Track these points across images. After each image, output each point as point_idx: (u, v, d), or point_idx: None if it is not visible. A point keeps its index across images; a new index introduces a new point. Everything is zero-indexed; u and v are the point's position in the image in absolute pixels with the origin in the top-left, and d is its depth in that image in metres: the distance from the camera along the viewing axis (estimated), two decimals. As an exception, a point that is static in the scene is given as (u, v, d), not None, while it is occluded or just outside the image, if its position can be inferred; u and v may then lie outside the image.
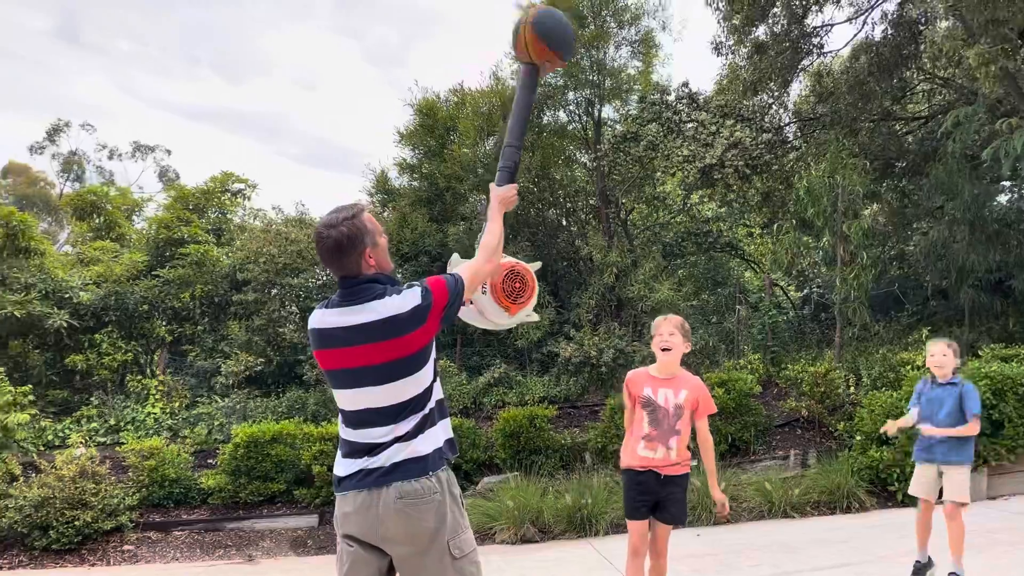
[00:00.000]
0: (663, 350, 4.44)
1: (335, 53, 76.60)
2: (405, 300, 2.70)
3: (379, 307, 2.69)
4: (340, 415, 2.86)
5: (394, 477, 2.66)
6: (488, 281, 3.21)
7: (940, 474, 5.50)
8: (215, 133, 72.12)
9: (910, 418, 5.72)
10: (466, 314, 3.31)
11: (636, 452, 4.43)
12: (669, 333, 4.45)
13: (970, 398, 5.45)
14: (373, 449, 2.72)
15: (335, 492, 2.83)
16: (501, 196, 3.18)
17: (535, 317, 3.50)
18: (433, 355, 2.83)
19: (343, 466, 2.79)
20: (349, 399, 2.78)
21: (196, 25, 73.30)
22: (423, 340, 2.73)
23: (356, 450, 2.76)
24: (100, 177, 44.11)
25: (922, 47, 12.13)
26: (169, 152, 45.01)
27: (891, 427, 5.73)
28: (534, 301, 3.41)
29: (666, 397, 4.40)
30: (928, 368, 5.76)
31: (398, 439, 2.70)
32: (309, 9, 76.06)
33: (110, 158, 44.58)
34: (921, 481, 5.61)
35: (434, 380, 2.82)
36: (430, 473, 2.70)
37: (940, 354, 5.53)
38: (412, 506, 2.65)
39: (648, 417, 4.41)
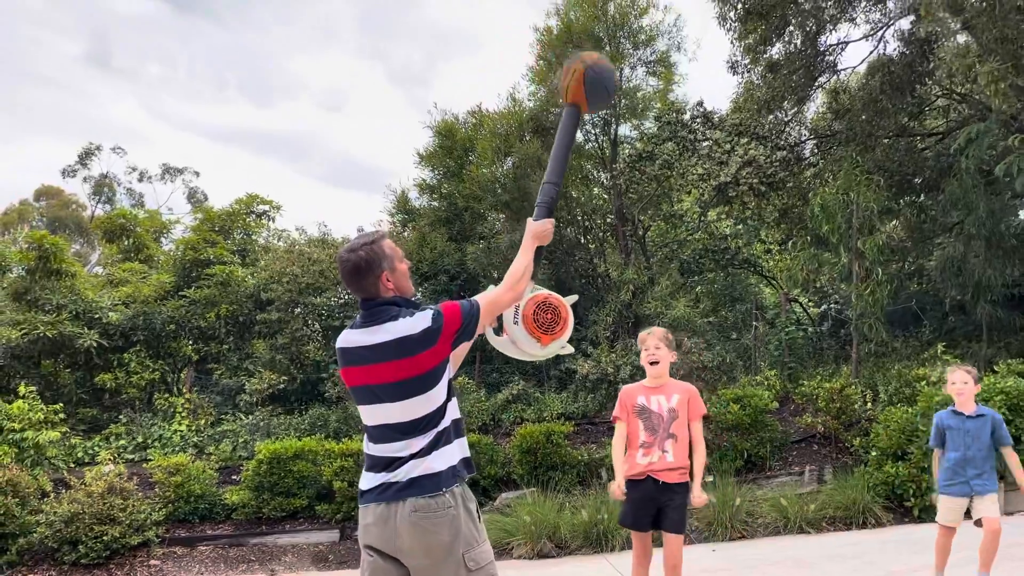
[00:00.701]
0: (651, 363, 4.69)
1: (360, 74, 77.70)
2: (416, 322, 2.86)
3: (393, 328, 2.86)
4: (364, 430, 3.03)
5: (410, 492, 2.80)
6: (521, 312, 3.35)
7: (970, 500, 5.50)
8: (243, 155, 73.42)
9: (937, 461, 5.74)
10: (500, 344, 3.43)
11: (635, 461, 4.59)
12: (655, 347, 4.68)
13: (1002, 428, 5.49)
14: (391, 464, 2.87)
15: (359, 504, 2.98)
16: (535, 230, 3.30)
17: (569, 349, 3.58)
18: (447, 375, 2.96)
19: (366, 479, 2.95)
20: (369, 414, 2.96)
21: (224, 49, 74.83)
22: (434, 361, 2.87)
23: (376, 464, 2.92)
24: (130, 199, 45.01)
25: (932, 65, 12.20)
26: (197, 174, 45.87)
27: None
28: (568, 333, 3.47)
29: (659, 403, 4.63)
30: (948, 395, 5.76)
31: (414, 455, 2.84)
32: (334, 32, 77.36)
33: (140, 180, 45.49)
34: (955, 511, 5.58)
35: (448, 399, 2.95)
36: (444, 490, 2.81)
37: (961, 382, 5.51)
38: (427, 519, 2.78)
39: (643, 424, 4.62)
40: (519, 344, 3.39)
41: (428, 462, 2.83)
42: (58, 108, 67.38)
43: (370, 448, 2.98)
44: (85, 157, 44.64)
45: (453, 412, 2.98)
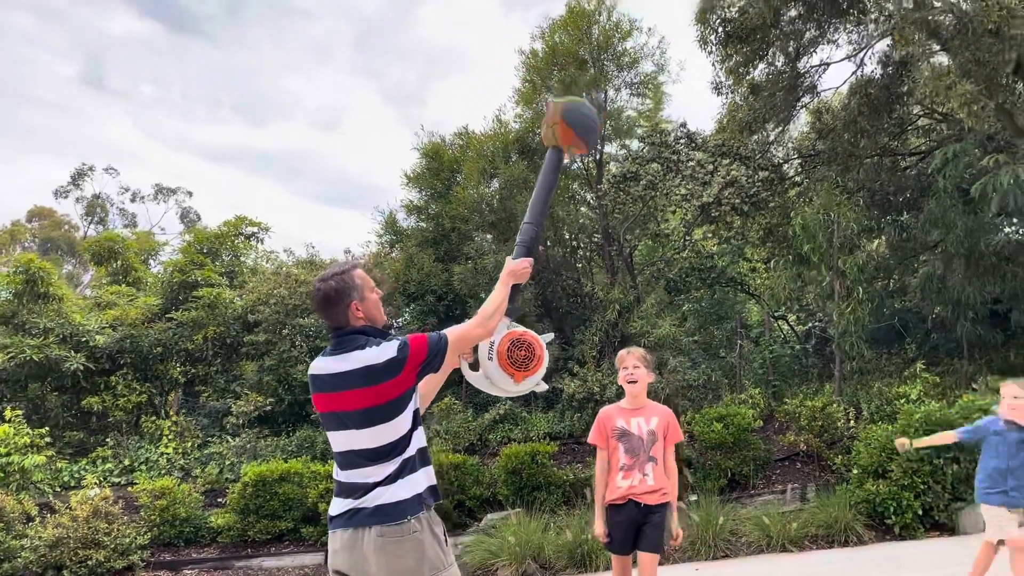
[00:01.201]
0: (629, 382, 4.64)
1: (354, 93, 78.08)
2: (382, 352, 2.93)
3: (359, 357, 2.94)
4: (334, 457, 3.10)
5: (375, 519, 2.87)
6: (496, 348, 3.40)
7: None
8: (237, 174, 73.61)
9: (948, 436, 5.82)
10: (475, 379, 3.48)
11: (616, 484, 4.56)
12: (634, 366, 4.64)
13: None
14: (358, 490, 2.93)
15: (328, 529, 3.04)
16: (512, 268, 3.39)
17: (543, 387, 3.60)
18: (412, 405, 3.03)
19: (334, 505, 3.01)
20: (337, 441, 3.03)
21: (218, 68, 75.17)
22: (398, 390, 2.94)
23: (344, 490, 2.99)
24: (123, 220, 45.12)
25: (906, 88, 12.37)
26: (191, 194, 46.10)
27: (907, 443, 5.91)
28: (542, 370, 3.50)
29: (639, 425, 4.58)
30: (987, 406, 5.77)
31: (379, 483, 2.91)
32: (329, 51, 77.77)
33: (133, 201, 45.66)
34: (1000, 524, 5.43)
35: (413, 428, 3.02)
36: (408, 517, 2.88)
37: (1011, 396, 5.43)
38: (393, 544, 2.84)
39: (623, 447, 4.56)
40: (493, 380, 3.43)
41: (393, 490, 2.90)
42: (53, 129, 67.65)
43: (338, 474, 3.05)
44: (78, 178, 44.80)
45: (419, 441, 3.04)
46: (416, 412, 3.06)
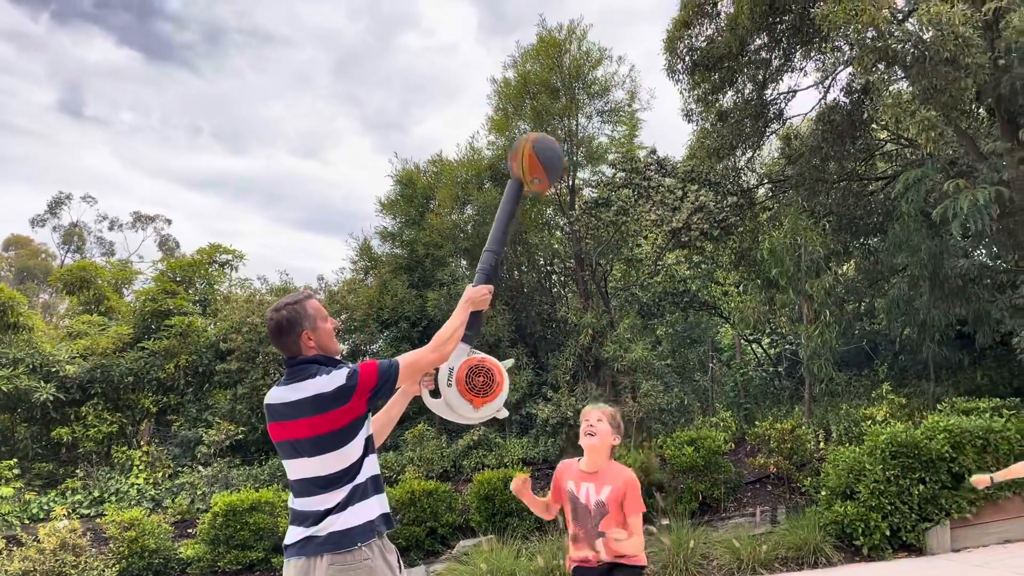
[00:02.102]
0: (588, 434, 3.99)
1: (335, 121, 78.25)
2: (332, 380, 2.97)
3: (310, 385, 2.97)
4: (289, 485, 3.14)
5: (327, 547, 2.89)
6: (455, 375, 3.44)
7: None
8: (217, 201, 73.31)
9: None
10: (436, 406, 3.50)
11: (569, 554, 4.08)
12: (597, 419, 4.03)
13: None
14: (309, 518, 2.96)
15: (284, 558, 3.06)
16: (471, 295, 3.44)
17: (503, 413, 3.60)
18: (364, 432, 3.05)
19: (289, 534, 3.04)
20: (291, 469, 3.07)
21: (198, 96, 75.13)
22: (348, 417, 2.97)
23: (297, 518, 3.02)
24: (100, 248, 44.85)
25: (866, 115, 12.64)
26: (169, 221, 45.92)
27: (987, 480, 5.47)
28: (502, 396, 3.51)
29: (587, 493, 3.94)
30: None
31: (330, 510, 2.93)
32: (309, 79, 77.99)
33: (111, 229, 45.46)
34: None
35: (364, 455, 3.04)
36: (359, 545, 2.89)
37: None
38: (343, 572, 2.86)
39: (571, 514, 4.00)
40: (452, 407, 3.46)
41: (345, 517, 2.92)
42: (30, 157, 67.21)
43: (293, 502, 3.09)
44: (55, 206, 44.57)
45: (371, 468, 3.06)
46: (369, 439, 3.09)
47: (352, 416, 2.98)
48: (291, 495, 3.11)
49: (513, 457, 12.77)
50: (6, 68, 65.35)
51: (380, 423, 3.47)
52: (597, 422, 4.03)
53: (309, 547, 2.91)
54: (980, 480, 5.43)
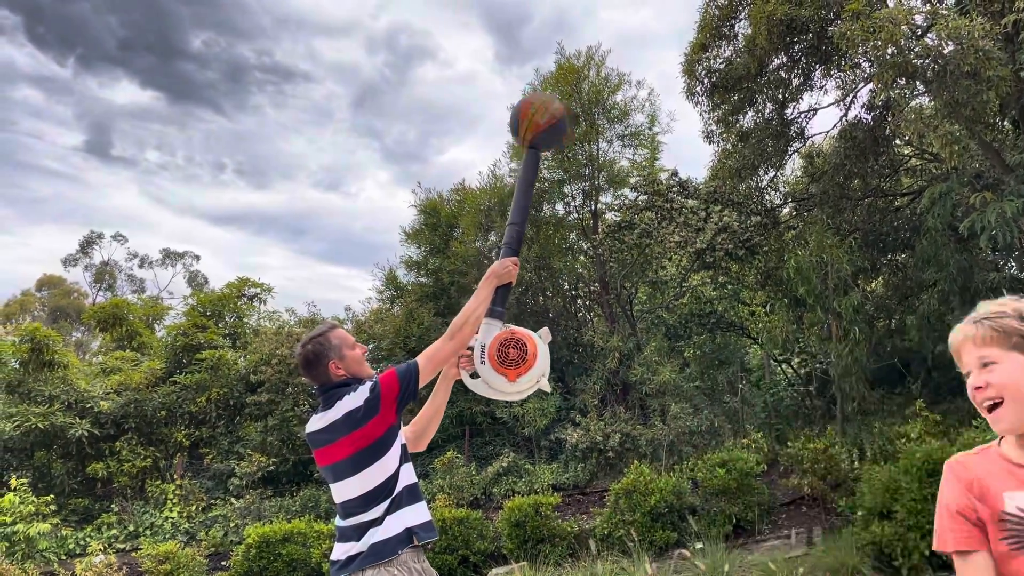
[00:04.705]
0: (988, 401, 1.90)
1: (356, 153, 79.20)
2: (358, 396, 3.04)
3: (340, 407, 3.05)
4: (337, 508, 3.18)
5: (365, 562, 2.94)
6: (487, 351, 3.36)
7: None
8: (242, 236, 74.28)
9: None
10: (476, 386, 3.43)
11: None
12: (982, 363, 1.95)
13: None
14: (351, 535, 3.02)
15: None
16: (495, 269, 3.37)
17: (546, 386, 3.46)
18: (398, 442, 3.11)
19: (335, 551, 3.10)
20: (335, 492, 3.13)
21: (220, 132, 76.35)
22: (381, 429, 3.03)
23: (342, 535, 3.08)
24: (131, 286, 45.56)
25: (888, 131, 12.59)
26: (198, 257, 46.67)
27: None
28: (538, 367, 3.38)
29: None
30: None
31: (371, 523, 2.99)
32: (329, 112, 79.08)
33: (141, 266, 46.21)
34: None
35: (401, 464, 3.09)
36: (399, 553, 2.95)
37: None
38: None
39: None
40: (489, 383, 3.38)
41: (384, 527, 2.98)
42: (60, 198, 68.58)
43: (338, 522, 3.14)
44: (86, 246, 45.42)
45: (407, 478, 3.10)
46: (403, 448, 3.14)
47: (385, 427, 3.04)
48: (337, 517, 3.15)
49: (543, 483, 12.72)
50: (35, 112, 66.99)
51: (427, 416, 3.51)
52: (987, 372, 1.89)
53: (352, 565, 2.96)
54: None
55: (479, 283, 3.36)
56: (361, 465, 3.00)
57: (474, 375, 3.43)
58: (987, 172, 12.82)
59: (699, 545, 10.13)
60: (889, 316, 14.68)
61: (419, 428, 3.51)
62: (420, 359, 3.18)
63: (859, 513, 9.69)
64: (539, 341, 3.42)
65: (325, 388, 3.17)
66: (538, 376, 3.39)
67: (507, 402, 12.58)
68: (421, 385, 3.19)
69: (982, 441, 8.47)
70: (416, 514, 3.08)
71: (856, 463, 11.18)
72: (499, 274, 3.38)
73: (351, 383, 3.15)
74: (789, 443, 11.91)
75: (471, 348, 3.40)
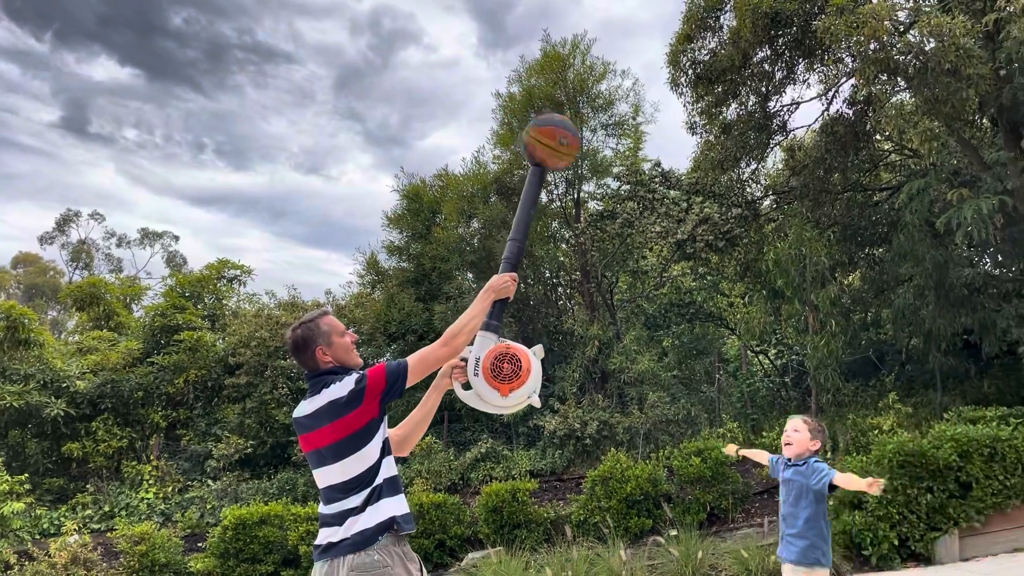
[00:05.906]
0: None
1: (337, 136, 78.71)
2: (344, 386, 3.09)
3: (325, 394, 3.10)
4: (319, 493, 3.24)
5: (347, 549, 2.99)
6: (481, 364, 3.42)
7: None
8: (221, 217, 73.74)
9: (763, 455, 5.42)
10: (468, 398, 3.48)
11: None
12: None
13: None
14: (333, 522, 3.07)
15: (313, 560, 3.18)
16: (493, 283, 3.42)
17: (536, 401, 3.51)
18: (379, 434, 3.15)
19: (318, 536, 3.15)
20: (318, 477, 3.19)
21: (200, 112, 75.68)
22: (363, 420, 3.08)
23: (325, 522, 3.13)
24: (109, 265, 45.14)
25: (869, 126, 12.71)
26: (177, 238, 46.26)
27: (734, 449, 5.62)
28: (530, 383, 3.41)
29: None
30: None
31: (351, 512, 3.04)
32: (311, 94, 78.54)
33: (119, 246, 45.78)
34: None
35: (382, 457, 3.14)
36: (378, 544, 2.99)
37: (791, 429, 4.89)
38: None
39: None
40: (482, 396, 3.43)
41: (364, 518, 3.03)
42: (35, 175, 67.82)
43: (321, 508, 3.19)
44: (63, 224, 44.93)
45: (388, 470, 3.15)
46: (385, 441, 3.18)
47: (367, 419, 3.08)
48: (320, 502, 3.21)
49: (521, 469, 12.81)
50: (10, 86, 66.17)
51: (413, 422, 3.56)
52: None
53: (333, 550, 3.02)
54: (730, 448, 5.74)
55: (477, 295, 3.41)
56: (342, 454, 3.06)
57: (466, 386, 3.48)
58: (965, 169, 12.98)
59: (673, 532, 10.26)
60: (865, 309, 14.86)
61: (404, 433, 3.56)
62: (411, 360, 3.22)
63: (831, 503, 9.86)
64: (533, 358, 3.47)
65: (313, 374, 3.23)
66: (530, 392, 3.44)
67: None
68: (409, 385, 3.22)
69: (952, 434, 8.60)
70: (397, 505, 3.13)
71: (829, 454, 11.34)
72: (497, 288, 3.42)
73: (339, 371, 3.21)
74: (764, 433, 12.07)
75: (465, 360, 3.45)
